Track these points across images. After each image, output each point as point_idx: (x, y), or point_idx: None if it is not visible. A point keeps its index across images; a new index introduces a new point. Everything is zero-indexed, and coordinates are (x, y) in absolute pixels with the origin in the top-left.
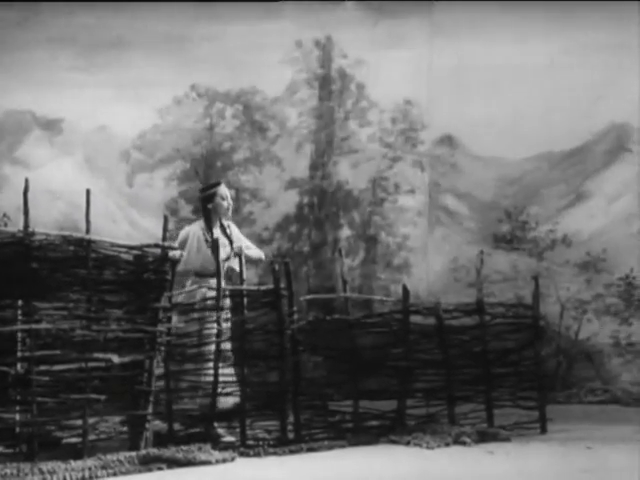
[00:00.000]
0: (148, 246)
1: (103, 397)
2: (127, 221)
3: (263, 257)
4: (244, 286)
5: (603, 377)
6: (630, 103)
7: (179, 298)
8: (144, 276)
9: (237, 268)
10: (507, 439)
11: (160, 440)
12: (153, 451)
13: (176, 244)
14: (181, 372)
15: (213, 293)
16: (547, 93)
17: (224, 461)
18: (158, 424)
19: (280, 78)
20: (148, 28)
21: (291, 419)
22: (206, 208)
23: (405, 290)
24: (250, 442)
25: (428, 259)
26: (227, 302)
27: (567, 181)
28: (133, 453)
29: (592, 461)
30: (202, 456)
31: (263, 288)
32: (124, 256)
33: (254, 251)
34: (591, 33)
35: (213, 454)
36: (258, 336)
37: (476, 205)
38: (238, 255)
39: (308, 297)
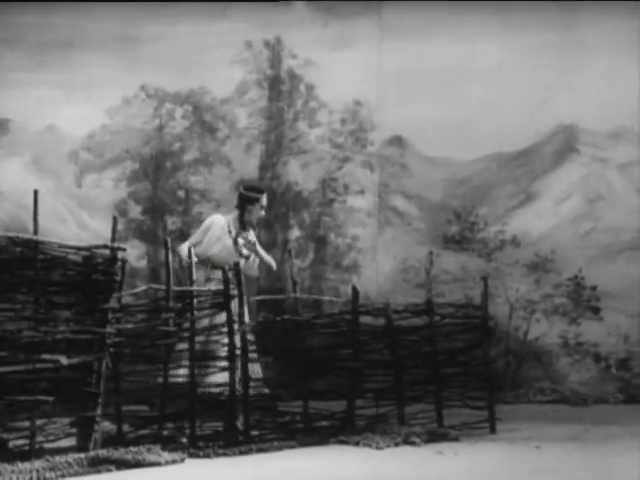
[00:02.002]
0: (97, 247)
1: (51, 398)
2: (76, 222)
3: (274, 266)
4: (194, 287)
5: (552, 377)
6: (578, 104)
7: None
8: (93, 277)
9: (255, 269)
10: (456, 439)
11: (109, 441)
12: (102, 452)
13: (200, 230)
14: (132, 373)
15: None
16: (496, 94)
17: (174, 462)
18: (107, 425)
19: (230, 78)
20: (97, 28)
21: (241, 420)
22: (244, 207)
23: (354, 291)
24: (200, 443)
25: (377, 260)
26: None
27: (516, 182)
28: (82, 455)
29: (541, 460)
30: (151, 457)
31: (213, 289)
32: (72, 257)
33: (267, 257)
34: (539, 34)
35: (162, 455)
36: (208, 337)
37: (425, 206)
38: (252, 251)
39: (258, 298)
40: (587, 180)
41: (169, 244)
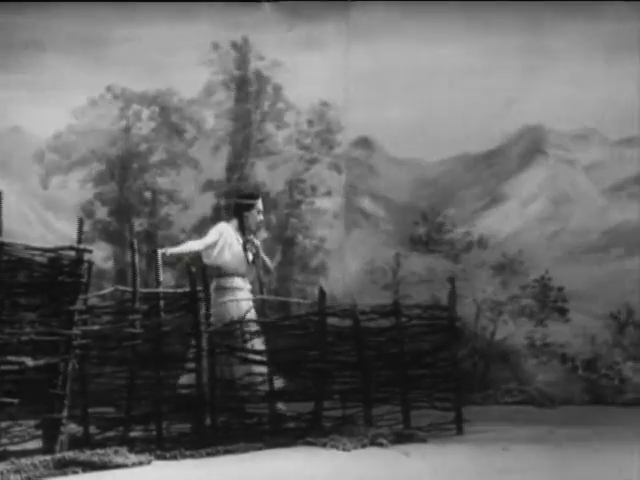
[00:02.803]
0: (63, 249)
1: (16, 400)
2: (41, 223)
3: (272, 269)
4: (160, 289)
5: (519, 378)
6: (544, 106)
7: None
8: (59, 279)
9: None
10: (423, 440)
11: (75, 443)
12: (68, 454)
13: (211, 234)
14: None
15: (242, 295)
16: (462, 96)
17: (140, 464)
18: (73, 427)
19: (197, 80)
20: (63, 29)
21: (208, 421)
22: (241, 214)
23: (322, 292)
24: (167, 445)
25: (345, 261)
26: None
27: (482, 183)
28: (48, 457)
29: (508, 461)
30: (118, 459)
31: (180, 291)
32: (38, 259)
33: (268, 260)
34: (505, 36)
35: (129, 457)
36: (175, 338)
37: (392, 207)
38: (256, 250)
39: (225, 300)
40: (553, 181)
41: (135, 245)
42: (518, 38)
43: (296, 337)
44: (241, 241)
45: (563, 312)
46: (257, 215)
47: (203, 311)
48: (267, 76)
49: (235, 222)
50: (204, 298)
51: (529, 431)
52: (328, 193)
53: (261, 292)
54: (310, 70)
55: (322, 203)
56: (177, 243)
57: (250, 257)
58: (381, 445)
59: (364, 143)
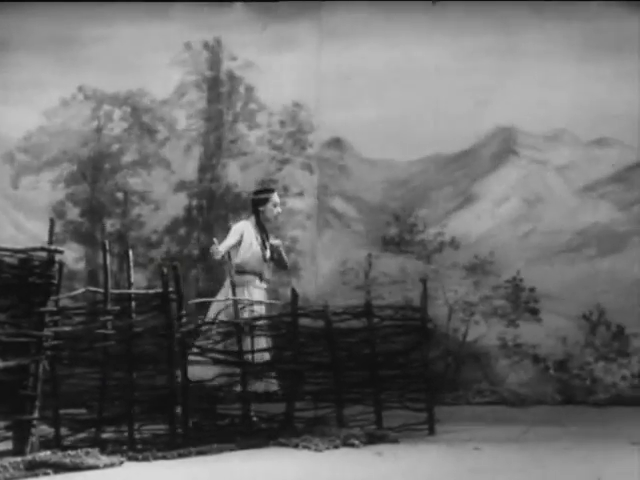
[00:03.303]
0: (34, 249)
1: None
2: (12, 224)
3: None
4: (132, 289)
5: (490, 378)
6: (516, 107)
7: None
8: (29, 280)
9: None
10: (395, 440)
11: (47, 445)
12: (39, 456)
13: (231, 236)
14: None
15: (259, 295)
16: (434, 96)
17: (112, 465)
18: (44, 429)
19: (169, 80)
20: (34, 29)
21: (180, 423)
22: (257, 210)
23: (294, 293)
24: (138, 446)
25: (317, 262)
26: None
27: (455, 184)
28: (18, 458)
29: (480, 462)
30: (90, 461)
31: (152, 291)
32: (8, 260)
33: (285, 257)
34: (477, 37)
35: (101, 459)
36: (147, 339)
37: (364, 208)
38: (277, 250)
39: (197, 300)
40: (525, 182)
41: (107, 246)
42: (490, 39)
43: (268, 338)
44: (259, 238)
45: (535, 313)
46: (274, 208)
47: (175, 312)
48: (239, 77)
49: (253, 219)
50: (176, 299)
51: (501, 431)
52: (300, 194)
53: (233, 293)
54: (282, 71)
55: (294, 204)
56: (149, 244)
57: (268, 254)
58: (353, 445)
59: (336, 144)
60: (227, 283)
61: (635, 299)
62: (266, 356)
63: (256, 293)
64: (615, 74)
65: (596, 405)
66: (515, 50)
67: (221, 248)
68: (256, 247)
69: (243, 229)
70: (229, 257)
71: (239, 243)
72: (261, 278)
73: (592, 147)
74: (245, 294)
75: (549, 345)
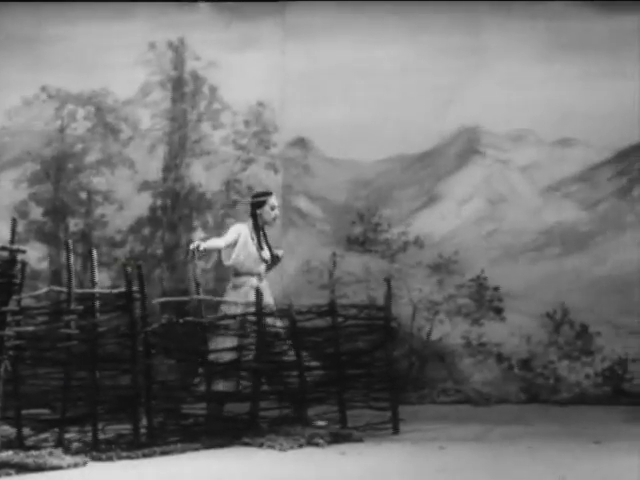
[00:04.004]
0: None
1: None
2: None
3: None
4: (96, 289)
5: (455, 377)
6: (480, 106)
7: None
8: None
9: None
10: (360, 440)
11: (9, 445)
12: (1, 457)
13: (230, 233)
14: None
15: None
16: (399, 96)
17: (76, 466)
18: (7, 429)
19: (132, 80)
20: None
21: (144, 422)
22: (255, 213)
23: (258, 292)
24: (102, 446)
25: (282, 261)
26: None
27: (419, 183)
28: None
29: (444, 461)
30: (53, 461)
31: (115, 291)
32: None
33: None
34: (443, 36)
35: (64, 459)
36: (110, 339)
37: (329, 207)
38: (277, 260)
39: (161, 300)
40: (490, 182)
41: (71, 246)
42: (455, 38)
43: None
44: (256, 240)
45: (499, 311)
46: (270, 211)
47: (139, 311)
48: (203, 76)
49: (250, 222)
50: (140, 298)
51: (465, 430)
52: None
53: (197, 292)
54: (246, 70)
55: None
56: (113, 244)
57: (267, 256)
58: (317, 445)
59: (300, 143)
60: (230, 285)
61: (599, 298)
62: (228, 356)
63: (251, 295)
64: (580, 74)
65: (560, 404)
66: (480, 50)
67: (221, 243)
68: (252, 248)
69: (240, 230)
70: (193, 257)
71: (235, 243)
72: (259, 278)
73: (556, 147)
74: (245, 296)
75: (513, 344)
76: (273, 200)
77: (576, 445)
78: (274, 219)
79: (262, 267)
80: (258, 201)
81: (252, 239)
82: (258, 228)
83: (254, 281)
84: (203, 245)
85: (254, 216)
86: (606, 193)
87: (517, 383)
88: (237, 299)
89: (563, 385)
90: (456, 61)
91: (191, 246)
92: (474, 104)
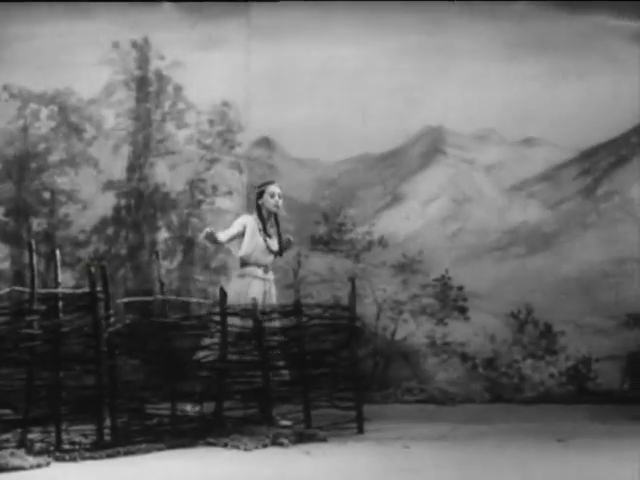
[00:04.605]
0: None
1: None
2: None
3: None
4: (59, 289)
5: (419, 376)
6: (444, 106)
7: (231, 290)
8: None
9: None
10: (324, 439)
11: None
12: None
13: (234, 226)
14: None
15: (258, 287)
16: (364, 96)
17: (39, 466)
18: None
19: (96, 79)
20: None
21: (108, 423)
22: (257, 204)
23: (222, 292)
24: (66, 446)
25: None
26: None
27: (383, 183)
28: None
29: (409, 460)
30: (15, 462)
31: (79, 291)
32: None
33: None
34: (407, 36)
35: (27, 459)
36: (74, 339)
37: (294, 207)
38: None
39: (125, 300)
40: (454, 181)
41: (33, 246)
42: (420, 38)
43: (197, 337)
44: (262, 230)
45: (463, 311)
46: (270, 199)
47: (103, 311)
48: (167, 76)
49: (255, 212)
50: (104, 298)
51: (430, 429)
52: (229, 193)
53: (161, 292)
54: (211, 70)
55: (223, 203)
56: (77, 244)
57: (275, 246)
58: (282, 445)
59: (265, 143)
60: (236, 274)
61: (563, 297)
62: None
63: (256, 285)
64: (543, 74)
65: (524, 403)
66: (444, 50)
67: (223, 237)
68: (259, 239)
69: (245, 222)
70: (157, 256)
71: (242, 235)
72: (266, 270)
73: (520, 146)
74: (247, 286)
75: (477, 343)
76: (272, 188)
77: (540, 443)
78: (276, 206)
79: (270, 258)
80: (258, 191)
81: (259, 230)
82: (263, 218)
83: (259, 272)
84: (222, 238)
85: (258, 207)
86: (570, 193)
87: (481, 382)
88: (240, 288)
89: (527, 384)
90: (420, 61)
91: (208, 230)
92: (438, 104)
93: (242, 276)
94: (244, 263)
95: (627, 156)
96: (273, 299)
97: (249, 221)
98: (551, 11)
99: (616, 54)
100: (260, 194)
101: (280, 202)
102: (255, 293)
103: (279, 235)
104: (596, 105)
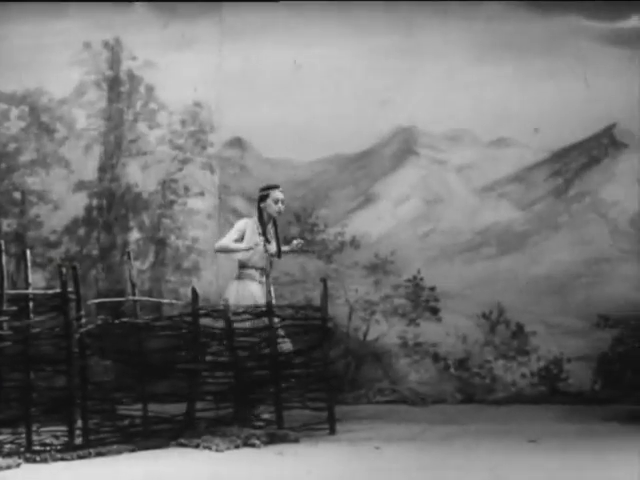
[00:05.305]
0: None
1: None
2: None
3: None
4: (30, 290)
5: (391, 377)
6: (417, 106)
7: (231, 292)
8: None
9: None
10: (296, 440)
11: None
12: None
13: (232, 232)
14: None
15: (259, 290)
16: (336, 96)
17: (9, 467)
18: None
19: (68, 79)
20: None
21: (79, 424)
22: (259, 207)
23: (194, 293)
24: (36, 448)
25: (218, 262)
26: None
27: (355, 184)
28: None
29: (380, 461)
30: None
31: (50, 292)
32: None
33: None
34: (379, 37)
35: None
36: (45, 340)
37: None
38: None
39: (96, 300)
40: (426, 182)
41: (3, 246)
42: (394, 38)
43: (169, 338)
44: (261, 233)
45: (435, 312)
46: (274, 205)
47: (74, 312)
48: (139, 76)
49: (256, 216)
50: (75, 299)
51: (401, 430)
52: (201, 193)
53: (133, 293)
54: (183, 70)
55: (195, 203)
56: (48, 244)
57: (273, 249)
58: (254, 446)
59: (237, 143)
60: (235, 276)
61: (534, 298)
62: None
63: (255, 287)
64: (515, 75)
65: (496, 403)
66: (417, 50)
67: (225, 242)
68: (257, 242)
69: (244, 226)
70: (129, 257)
71: (241, 239)
72: (263, 273)
73: (492, 147)
74: (248, 287)
75: (449, 344)
76: (276, 194)
77: (512, 444)
78: (278, 212)
79: (266, 261)
80: (261, 195)
81: (259, 234)
82: (263, 222)
83: (257, 275)
84: (224, 244)
85: (259, 210)
86: (542, 193)
87: (453, 383)
88: (237, 291)
89: (499, 385)
90: (393, 61)
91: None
92: (410, 105)
93: (240, 279)
94: (242, 265)
95: (598, 157)
96: (273, 300)
97: (248, 225)
98: (523, 12)
99: (587, 55)
100: (263, 198)
101: (283, 208)
102: (257, 294)
103: (277, 238)
104: (567, 106)
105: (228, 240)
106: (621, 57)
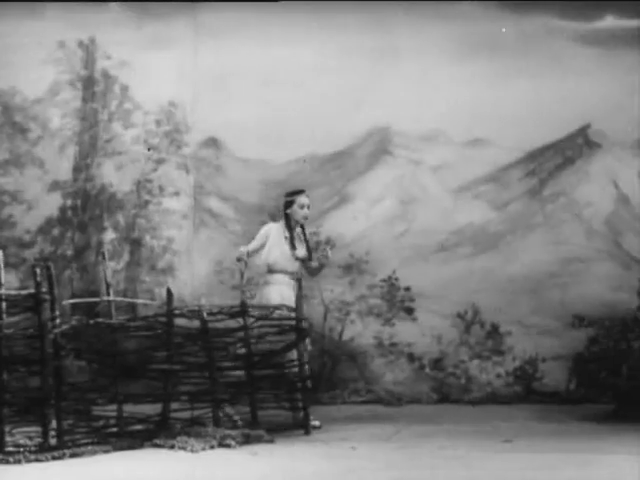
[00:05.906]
0: None
1: None
2: None
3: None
4: (3, 290)
5: (366, 377)
6: (392, 106)
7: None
8: None
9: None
10: (271, 441)
11: None
12: None
13: (256, 240)
14: None
15: (288, 292)
16: (311, 96)
17: None
18: None
19: (42, 79)
20: None
21: (53, 425)
22: (285, 213)
23: (169, 293)
24: (10, 449)
25: (193, 262)
26: None
27: (330, 184)
28: None
29: (356, 461)
30: None
31: (24, 292)
32: None
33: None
34: (354, 37)
35: None
36: (19, 341)
37: (241, 207)
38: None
39: (71, 301)
40: (401, 182)
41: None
42: (368, 38)
43: (143, 338)
44: (288, 238)
45: (410, 312)
46: (299, 210)
47: (48, 313)
48: (114, 76)
49: (282, 220)
50: (49, 299)
51: (377, 430)
52: (176, 193)
53: (108, 293)
54: (158, 70)
55: (170, 203)
56: (22, 244)
57: (302, 254)
58: (229, 446)
59: (212, 143)
60: (262, 281)
61: (509, 298)
62: None
63: (286, 290)
64: (489, 74)
65: (471, 403)
66: (391, 50)
67: (244, 249)
68: (284, 247)
69: (269, 232)
70: (104, 257)
71: (262, 246)
72: (293, 277)
73: (467, 147)
74: (278, 292)
75: (424, 344)
76: (302, 199)
77: (487, 444)
78: (304, 218)
79: (296, 265)
80: (287, 200)
81: (285, 238)
82: (290, 227)
83: (286, 279)
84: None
85: (286, 215)
86: (516, 193)
87: (428, 383)
88: (269, 296)
89: (474, 385)
90: (367, 61)
91: (239, 254)
92: (385, 104)
93: (269, 284)
94: (270, 270)
95: (573, 157)
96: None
97: (272, 230)
98: (497, 11)
99: (562, 55)
100: (289, 203)
101: (308, 213)
102: (289, 297)
103: (307, 242)
104: (542, 106)
105: (247, 248)
106: (595, 57)
